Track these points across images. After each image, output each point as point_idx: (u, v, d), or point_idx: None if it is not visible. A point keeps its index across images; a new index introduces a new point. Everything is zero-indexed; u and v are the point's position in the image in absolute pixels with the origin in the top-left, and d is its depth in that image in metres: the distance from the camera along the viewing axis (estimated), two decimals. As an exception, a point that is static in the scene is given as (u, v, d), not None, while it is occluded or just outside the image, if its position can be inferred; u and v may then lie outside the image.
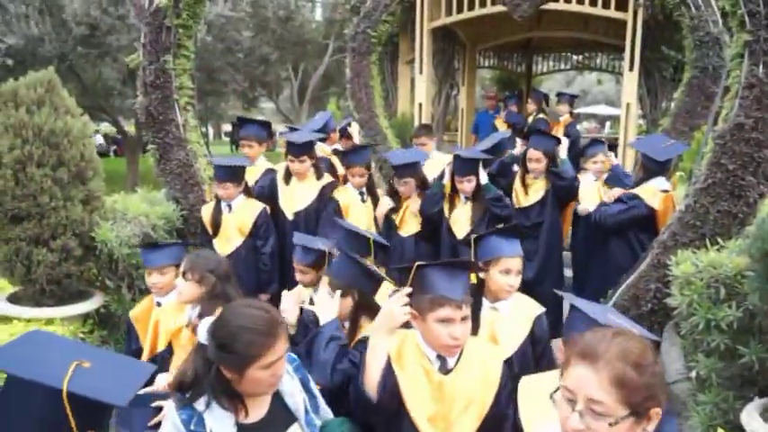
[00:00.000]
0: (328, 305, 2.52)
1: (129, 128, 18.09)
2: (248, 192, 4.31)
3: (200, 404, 1.80)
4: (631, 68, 6.88)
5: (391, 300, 2.12)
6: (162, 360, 3.08)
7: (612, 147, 6.14)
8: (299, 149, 4.41)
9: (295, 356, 2.09)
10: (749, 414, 2.59)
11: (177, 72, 4.69)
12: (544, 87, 17.13)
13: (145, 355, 3.13)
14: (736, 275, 2.80)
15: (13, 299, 3.96)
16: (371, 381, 2.05)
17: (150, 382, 2.59)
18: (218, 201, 4.22)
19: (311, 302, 2.95)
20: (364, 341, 2.41)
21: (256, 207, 4.24)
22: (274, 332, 1.77)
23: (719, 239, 3.09)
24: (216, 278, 2.81)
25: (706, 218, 3.22)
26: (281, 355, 1.81)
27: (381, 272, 2.87)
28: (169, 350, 3.08)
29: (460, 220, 4.25)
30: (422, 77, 7.88)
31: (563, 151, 4.48)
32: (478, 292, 2.75)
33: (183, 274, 2.85)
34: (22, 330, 3.51)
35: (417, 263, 2.11)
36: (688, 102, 6.20)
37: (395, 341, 2.15)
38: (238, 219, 4.19)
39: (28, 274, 3.78)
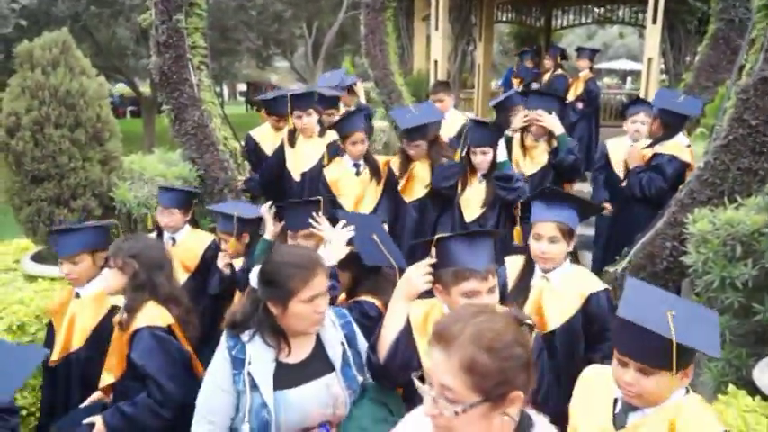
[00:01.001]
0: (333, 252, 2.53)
1: (145, 88, 18.09)
2: (195, 222, 3.82)
3: (245, 336, 1.96)
4: (654, 21, 6.66)
5: (412, 268, 2.08)
6: (79, 360, 2.72)
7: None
8: (304, 102, 4.22)
9: (346, 312, 2.18)
10: (761, 370, 2.61)
11: (190, 31, 4.65)
12: (564, 42, 16.72)
13: (56, 354, 2.73)
14: (754, 233, 2.77)
15: (38, 258, 4.07)
16: (383, 344, 2.02)
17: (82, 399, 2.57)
18: (160, 232, 3.69)
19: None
20: (358, 302, 2.49)
21: (204, 240, 3.68)
22: (314, 268, 1.91)
23: (738, 197, 3.04)
24: (140, 265, 2.52)
25: (726, 175, 3.17)
26: (322, 291, 1.92)
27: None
28: (88, 348, 2.72)
29: (472, 201, 3.75)
30: (438, 33, 7.73)
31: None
32: (529, 259, 2.67)
33: (107, 260, 2.60)
34: (48, 288, 3.61)
35: (438, 235, 2.05)
36: (712, 55, 6.02)
37: (421, 310, 2.11)
38: (183, 253, 3.56)
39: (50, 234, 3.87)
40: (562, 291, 2.59)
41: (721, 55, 5.92)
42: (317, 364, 1.98)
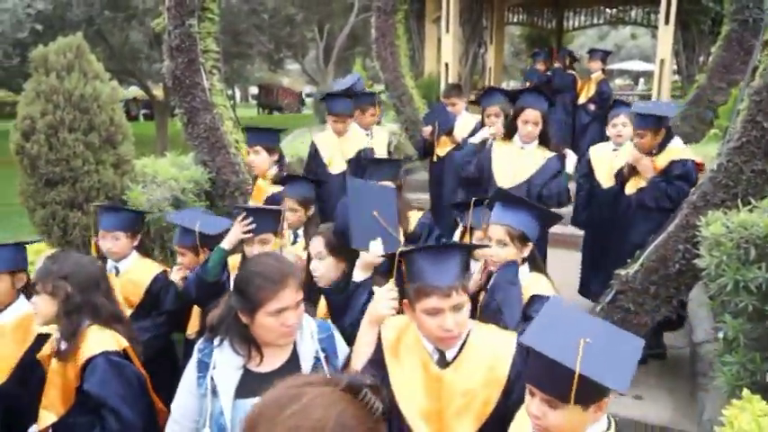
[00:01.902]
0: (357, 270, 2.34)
1: (158, 92, 18.23)
2: (142, 248, 3.36)
3: (216, 340, 1.96)
4: (667, 21, 6.63)
5: (378, 291, 2.03)
6: (8, 395, 2.43)
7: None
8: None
9: (330, 326, 2.11)
10: (776, 375, 2.58)
11: (202, 35, 4.68)
12: (576, 43, 16.63)
13: None
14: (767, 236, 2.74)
15: (52, 260, 4.11)
16: (354, 369, 1.95)
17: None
18: (103, 259, 3.19)
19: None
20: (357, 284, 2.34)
21: (151, 270, 3.23)
22: (283, 281, 1.86)
23: (752, 199, 3.01)
24: (72, 286, 2.23)
25: (739, 177, 3.14)
26: (290, 305, 1.87)
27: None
28: (12, 383, 2.45)
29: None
30: (448, 36, 7.74)
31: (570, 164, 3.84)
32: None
33: (34, 286, 2.31)
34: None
35: (400, 249, 1.95)
36: (726, 56, 5.97)
37: (394, 330, 1.99)
38: (127, 285, 3.13)
39: (64, 237, 3.91)
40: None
41: (735, 56, 5.87)
42: (288, 374, 1.84)
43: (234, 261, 2.98)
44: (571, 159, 3.83)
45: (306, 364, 1.97)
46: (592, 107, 7.87)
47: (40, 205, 3.89)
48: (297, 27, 18.01)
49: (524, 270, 2.55)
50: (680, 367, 4.03)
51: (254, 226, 2.78)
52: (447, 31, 7.72)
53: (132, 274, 3.18)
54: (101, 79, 3.98)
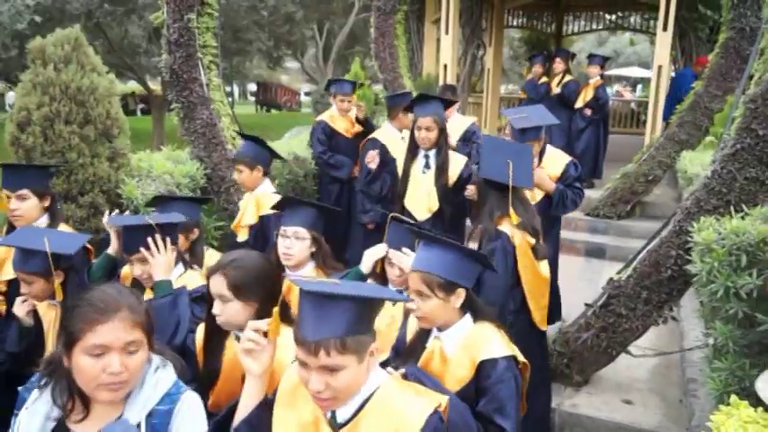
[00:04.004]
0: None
1: (155, 87, 18.19)
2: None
3: (44, 380, 1.62)
4: (665, 28, 6.66)
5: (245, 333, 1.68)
6: None
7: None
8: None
9: (180, 398, 1.62)
10: (764, 381, 2.59)
11: (201, 30, 4.68)
12: (574, 48, 16.68)
13: None
14: (759, 243, 2.75)
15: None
16: (236, 420, 1.68)
17: None
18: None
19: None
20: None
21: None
22: (107, 311, 1.51)
23: (744, 207, 3.03)
24: None
25: (732, 184, 3.15)
26: (114, 346, 1.49)
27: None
28: None
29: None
30: (448, 37, 7.74)
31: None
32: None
33: None
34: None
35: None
36: (723, 64, 6.00)
37: (293, 378, 1.64)
38: None
39: (58, 229, 3.90)
40: (453, 355, 2.02)
41: (732, 64, 5.90)
42: None
43: (126, 272, 2.74)
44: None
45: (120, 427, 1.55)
46: (588, 112, 7.89)
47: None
48: (296, 25, 18.00)
49: (464, 324, 2.05)
50: (670, 373, 4.05)
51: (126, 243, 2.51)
52: (447, 32, 7.73)
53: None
54: (98, 72, 3.97)
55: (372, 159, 4.68)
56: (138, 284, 2.64)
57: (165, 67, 4.70)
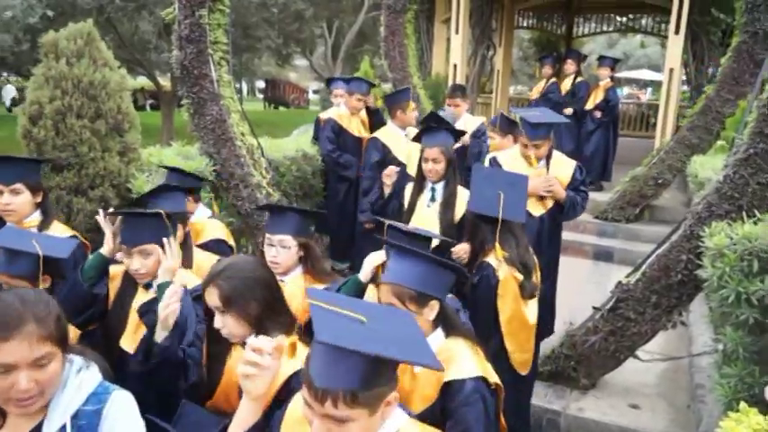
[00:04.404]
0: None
1: (165, 82, 18.25)
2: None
3: None
4: (677, 31, 6.62)
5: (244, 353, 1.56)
6: None
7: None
8: None
9: (105, 398, 1.56)
10: (774, 389, 2.57)
11: (212, 27, 4.68)
12: (585, 50, 16.62)
13: None
14: (772, 249, 2.73)
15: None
16: None
17: None
18: None
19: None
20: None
21: None
22: (9, 329, 1.38)
23: (757, 212, 3.00)
24: None
25: (744, 189, 3.13)
26: (19, 364, 1.39)
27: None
28: None
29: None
30: (458, 37, 7.73)
31: None
32: None
33: None
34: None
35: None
36: (735, 68, 5.96)
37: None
38: None
39: (68, 222, 3.91)
40: (422, 371, 1.93)
41: (744, 68, 5.85)
42: None
43: (115, 271, 2.65)
44: None
45: None
46: (598, 114, 7.86)
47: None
48: (306, 23, 18.02)
49: (434, 339, 1.94)
50: (678, 378, 4.03)
51: (126, 234, 2.40)
52: (457, 32, 7.71)
53: None
54: (110, 67, 3.98)
55: (390, 175, 4.00)
56: (130, 280, 2.54)
57: (176, 62, 4.71)
